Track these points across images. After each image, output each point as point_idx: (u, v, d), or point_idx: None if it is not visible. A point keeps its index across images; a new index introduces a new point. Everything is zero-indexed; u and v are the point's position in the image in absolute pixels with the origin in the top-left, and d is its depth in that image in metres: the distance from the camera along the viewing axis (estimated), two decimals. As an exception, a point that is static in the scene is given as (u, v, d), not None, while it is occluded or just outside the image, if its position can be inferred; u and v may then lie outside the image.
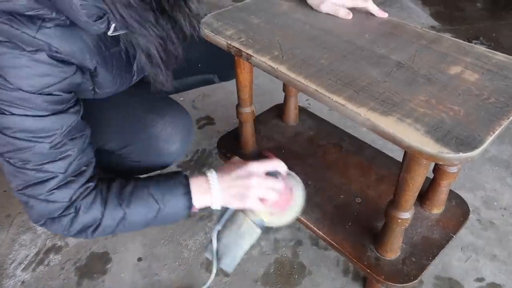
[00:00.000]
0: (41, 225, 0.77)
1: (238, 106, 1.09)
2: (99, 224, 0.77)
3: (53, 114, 0.68)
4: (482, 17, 2.32)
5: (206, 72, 1.17)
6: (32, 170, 0.70)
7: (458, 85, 0.71)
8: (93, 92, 0.81)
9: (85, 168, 0.76)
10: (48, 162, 0.70)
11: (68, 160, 0.72)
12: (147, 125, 0.92)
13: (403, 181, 0.74)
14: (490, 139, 0.60)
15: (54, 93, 0.68)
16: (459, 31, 2.18)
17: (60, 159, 0.71)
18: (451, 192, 1.03)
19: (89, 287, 1.09)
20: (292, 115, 1.28)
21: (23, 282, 1.10)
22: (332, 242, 0.97)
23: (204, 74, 1.18)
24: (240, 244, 0.88)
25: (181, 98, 1.71)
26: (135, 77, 0.88)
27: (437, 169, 0.94)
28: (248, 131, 1.15)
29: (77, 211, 0.75)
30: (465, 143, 0.59)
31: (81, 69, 0.73)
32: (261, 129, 1.27)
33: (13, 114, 0.65)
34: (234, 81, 1.03)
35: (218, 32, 0.90)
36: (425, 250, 0.93)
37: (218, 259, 0.87)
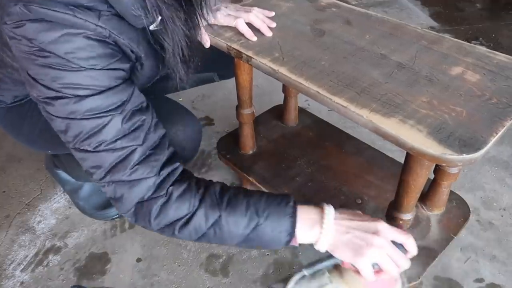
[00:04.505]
0: (130, 215, 0.72)
1: (238, 107, 1.09)
2: (190, 219, 0.70)
3: (110, 89, 0.67)
4: (481, 17, 2.33)
5: (206, 70, 1.17)
6: (109, 150, 0.67)
7: (459, 86, 0.71)
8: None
9: (159, 141, 0.73)
10: (122, 137, 0.67)
11: (142, 131, 0.70)
12: None
13: (405, 182, 0.74)
14: (493, 140, 0.60)
15: (117, 67, 0.69)
16: (458, 31, 2.19)
17: (133, 130, 0.68)
18: (451, 192, 1.03)
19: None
20: (291, 116, 1.28)
21: (22, 282, 1.10)
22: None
23: (204, 73, 1.19)
24: None
25: (181, 99, 1.70)
26: (159, 71, 0.87)
27: (437, 169, 0.93)
28: (248, 132, 1.15)
29: (169, 196, 0.70)
30: (468, 144, 0.59)
31: (130, 59, 0.75)
32: (261, 130, 1.27)
33: (77, 96, 0.65)
34: (233, 81, 1.02)
35: (218, 34, 0.90)
36: (425, 250, 0.92)
37: None
